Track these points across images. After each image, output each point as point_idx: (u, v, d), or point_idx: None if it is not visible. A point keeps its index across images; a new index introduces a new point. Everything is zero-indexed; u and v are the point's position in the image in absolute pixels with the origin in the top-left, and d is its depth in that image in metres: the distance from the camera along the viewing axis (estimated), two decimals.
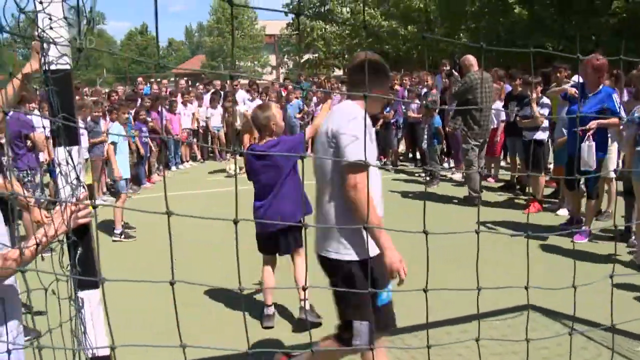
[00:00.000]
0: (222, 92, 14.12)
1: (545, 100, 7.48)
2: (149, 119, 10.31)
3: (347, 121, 2.64)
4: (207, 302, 4.87)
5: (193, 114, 13.30)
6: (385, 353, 2.92)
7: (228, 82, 14.87)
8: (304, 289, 1.38)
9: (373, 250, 2.63)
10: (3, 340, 1.67)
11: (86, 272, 1.75)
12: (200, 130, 13.58)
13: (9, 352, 1.61)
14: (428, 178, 9.77)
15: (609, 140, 6.23)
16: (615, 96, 5.90)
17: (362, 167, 2.52)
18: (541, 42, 17.49)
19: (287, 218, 4.14)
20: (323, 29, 34.71)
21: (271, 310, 4.42)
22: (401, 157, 12.39)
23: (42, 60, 1.61)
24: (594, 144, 5.73)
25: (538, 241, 6.15)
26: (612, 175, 6.60)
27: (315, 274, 2.68)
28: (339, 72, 33.70)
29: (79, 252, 1.75)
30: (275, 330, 4.30)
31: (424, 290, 1.65)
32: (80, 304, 1.81)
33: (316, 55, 37.15)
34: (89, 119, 8.34)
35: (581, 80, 6.19)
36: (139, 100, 11.62)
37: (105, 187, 9.42)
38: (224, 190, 9.69)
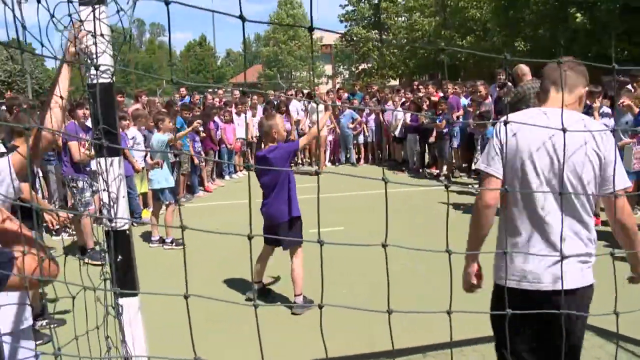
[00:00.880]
0: (275, 102, 14.25)
1: (606, 109, 7.21)
2: (201, 129, 10.45)
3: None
4: (234, 317, 4.59)
5: (247, 124, 13.45)
6: None
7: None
8: (320, 307, 1.37)
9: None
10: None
11: (125, 281, 1.80)
12: (255, 140, 13.73)
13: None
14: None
15: None
16: None
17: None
18: (602, 50, 16.80)
19: (277, 217, 4.69)
20: (376, 41, 34.62)
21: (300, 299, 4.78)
22: (454, 168, 12.14)
23: (83, 72, 1.67)
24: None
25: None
26: None
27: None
28: (394, 82, 33.45)
29: (119, 259, 1.80)
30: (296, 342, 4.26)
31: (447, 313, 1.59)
32: (120, 311, 1.86)
33: (370, 65, 37.04)
34: (143, 128, 8.53)
35: None
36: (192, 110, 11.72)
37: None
38: None
